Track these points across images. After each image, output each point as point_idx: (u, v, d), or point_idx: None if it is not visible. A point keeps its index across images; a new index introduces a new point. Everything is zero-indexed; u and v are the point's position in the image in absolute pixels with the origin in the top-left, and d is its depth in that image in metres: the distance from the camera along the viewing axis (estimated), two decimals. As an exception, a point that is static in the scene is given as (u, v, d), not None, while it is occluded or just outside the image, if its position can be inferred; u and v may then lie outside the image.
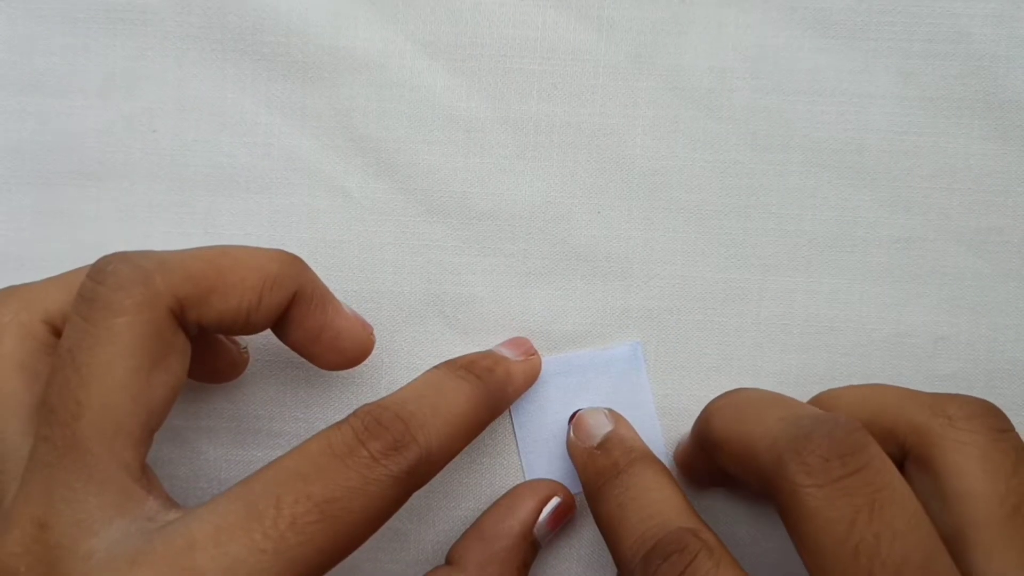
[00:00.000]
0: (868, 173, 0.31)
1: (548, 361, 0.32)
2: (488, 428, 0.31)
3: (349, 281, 0.32)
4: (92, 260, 0.32)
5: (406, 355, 0.32)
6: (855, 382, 0.32)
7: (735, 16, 0.32)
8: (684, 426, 0.32)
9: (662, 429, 0.32)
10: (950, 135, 0.31)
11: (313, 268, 0.33)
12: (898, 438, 0.26)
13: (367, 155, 0.32)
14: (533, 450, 0.32)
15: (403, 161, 0.32)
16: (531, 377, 0.31)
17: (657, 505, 0.25)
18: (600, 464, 0.28)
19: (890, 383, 0.32)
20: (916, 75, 0.31)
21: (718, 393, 0.32)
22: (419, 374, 0.27)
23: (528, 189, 0.32)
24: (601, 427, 0.30)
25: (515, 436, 0.32)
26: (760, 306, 0.32)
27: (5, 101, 0.33)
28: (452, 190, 0.32)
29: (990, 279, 0.31)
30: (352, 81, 0.32)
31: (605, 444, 0.29)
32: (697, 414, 0.29)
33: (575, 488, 0.32)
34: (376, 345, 0.32)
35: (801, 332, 0.32)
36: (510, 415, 0.32)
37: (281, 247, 0.32)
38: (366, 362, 0.30)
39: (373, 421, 0.24)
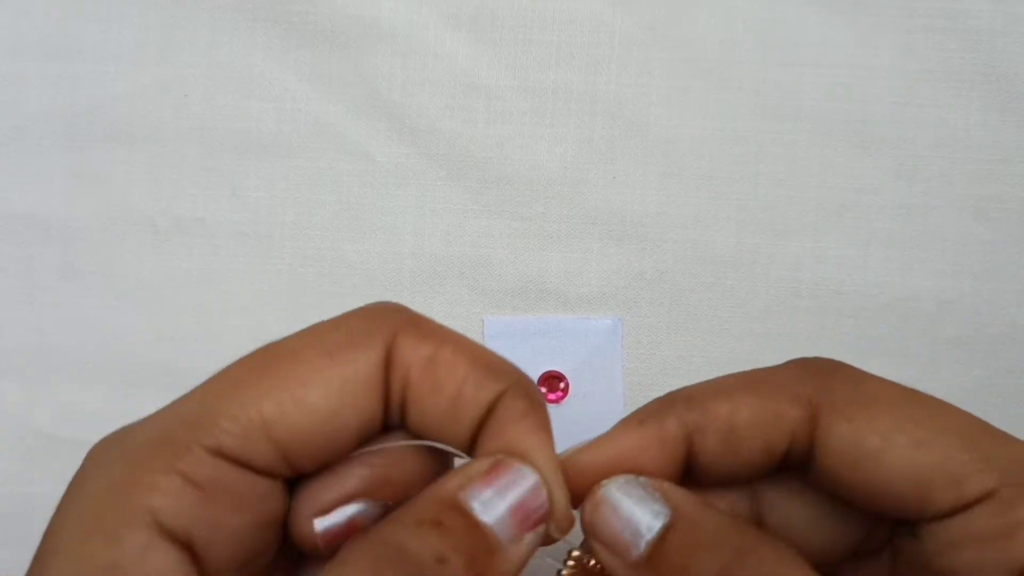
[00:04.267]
0: (873, 142, 0.33)
1: (530, 320, 0.33)
2: None
3: (371, 242, 0.33)
4: (120, 221, 0.33)
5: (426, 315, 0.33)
6: (862, 344, 0.32)
7: (745, -7, 0.33)
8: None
9: (625, 409, 0.33)
10: (951, 107, 0.33)
11: (337, 231, 0.34)
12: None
13: (391, 121, 0.33)
14: None
15: (425, 127, 0.33)
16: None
17: None
18: None
19: (896, 346, 0.33)
20: (918, 49, 0.33)
21: (728, 354, 0.33)
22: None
23: (546, 155, 0.33)
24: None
25: None
26: (769, 270, 0.33)
27: (39, 67, 0.34)
28: (472, 155, 0.33)
29: (992, 245, 0.33)
30: (378, 49, 0.33)
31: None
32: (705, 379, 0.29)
33: None
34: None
35: (809, 295, 0.33)
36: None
37: (305, 209, 0.33)
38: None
39: None
